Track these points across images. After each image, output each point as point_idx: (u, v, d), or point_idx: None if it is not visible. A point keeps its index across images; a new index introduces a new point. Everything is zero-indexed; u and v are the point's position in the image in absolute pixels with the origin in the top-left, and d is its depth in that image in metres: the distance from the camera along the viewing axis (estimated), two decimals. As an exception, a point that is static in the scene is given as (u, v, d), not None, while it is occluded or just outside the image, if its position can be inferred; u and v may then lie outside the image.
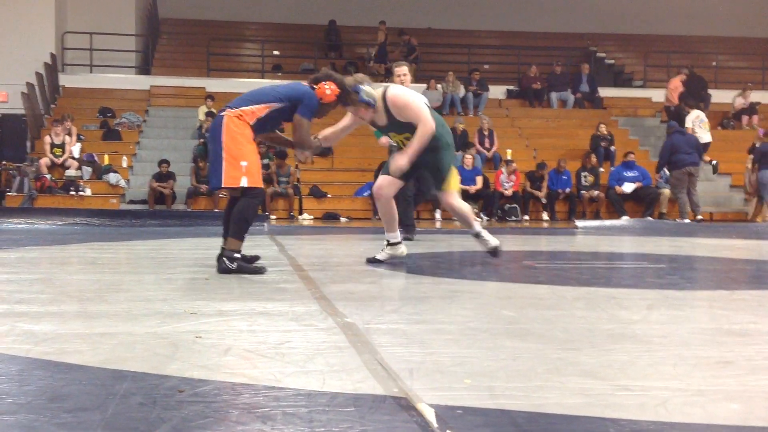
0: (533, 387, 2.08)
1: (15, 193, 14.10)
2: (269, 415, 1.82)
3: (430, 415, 1.80)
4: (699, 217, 13.56)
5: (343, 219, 14.00)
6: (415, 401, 1.91)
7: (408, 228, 7.86)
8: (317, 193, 14.64)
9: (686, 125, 15.12)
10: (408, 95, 5.37)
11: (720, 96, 18.47)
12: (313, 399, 1.95)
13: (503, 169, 14.84)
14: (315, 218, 14.13)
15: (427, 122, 5.25)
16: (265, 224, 10.61)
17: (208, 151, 5.33)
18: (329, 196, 14.76)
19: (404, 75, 7.80)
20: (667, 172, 14.11)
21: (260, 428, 1.72)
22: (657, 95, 18.88)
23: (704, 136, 15.22)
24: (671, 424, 1.77)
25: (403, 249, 5.65)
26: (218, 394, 1.99)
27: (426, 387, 2.05)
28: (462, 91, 17.82)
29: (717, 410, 1.90)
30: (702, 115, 15.58)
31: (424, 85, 17.49)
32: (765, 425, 1.78)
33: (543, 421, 1.79)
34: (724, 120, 17.41)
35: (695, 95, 16.66)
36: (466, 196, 14.24)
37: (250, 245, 6.28)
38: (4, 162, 15.45)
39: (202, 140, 15.54)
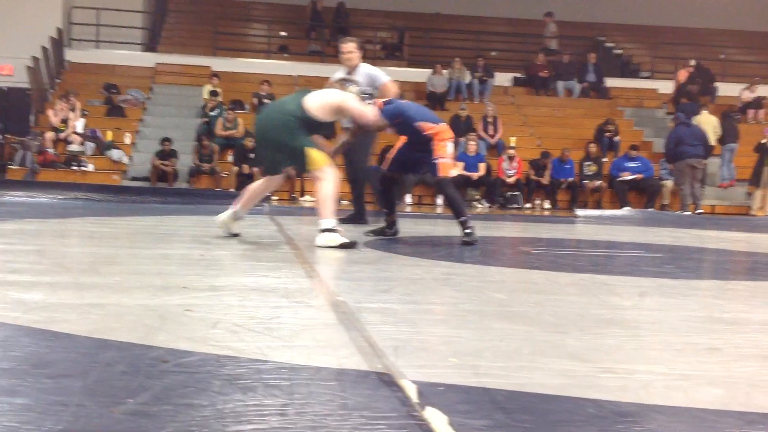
0: (517, 367, 2.08)
1: (17, 167, 14.11)
2: (250, 386, 1.82)
3: (412, 391, 1.80)
4: (699, 210, 13.50)
5: (344, 201, 13.98)
6: (397, 377, 1.91)
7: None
8: (319, 176, 14.59)
9: None
10: None
11: (727, 89, 18.39)
12: (296, 372, 1.96)
13: (505, 156, 14.82)
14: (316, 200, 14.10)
15: None
16: (266, 205, 10.60)
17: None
18: (331, 178, 14.70)
19: (350, 53, 7.20)
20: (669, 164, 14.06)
21: (240, 399, 1.72)
22: (664, 86, 18.81)
23: None
24: (651, 406, 1.77)
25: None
26: (202, 365, 1.99)
27: (410, 364, 2.05)
28: (468, 78, 17.75)
29: (698, 394, 1.90)
30: None
31: (430, 71, 17.44)
32: (746, 410, 1.78)
33: (523, 400, 1.79)
34: (730, 113, 17.30)
35: (702, 88, 16.60)
36: (468, 182, 14.24)
37: (248, 224, 6.28)
38: (7, 135, 15.46)
39: (206, 119, 15.53)
